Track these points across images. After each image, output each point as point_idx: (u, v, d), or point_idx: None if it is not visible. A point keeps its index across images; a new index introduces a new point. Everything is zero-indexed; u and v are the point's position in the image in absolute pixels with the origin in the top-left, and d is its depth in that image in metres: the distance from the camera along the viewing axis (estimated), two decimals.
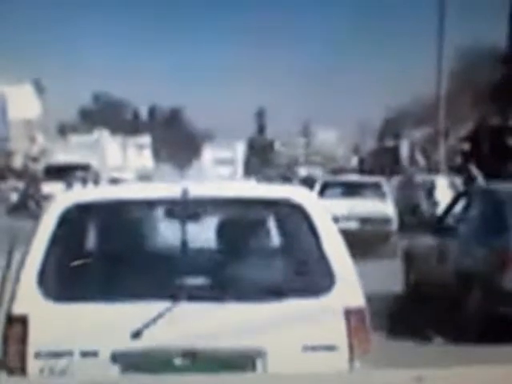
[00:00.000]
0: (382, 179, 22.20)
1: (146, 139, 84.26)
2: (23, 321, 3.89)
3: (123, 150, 76.28)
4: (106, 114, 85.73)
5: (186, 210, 4.10)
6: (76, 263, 4.09)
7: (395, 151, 47.12)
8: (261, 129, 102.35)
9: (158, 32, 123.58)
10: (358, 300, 4.08)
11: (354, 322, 3.99)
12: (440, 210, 19.15)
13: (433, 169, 40.11)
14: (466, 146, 38.40)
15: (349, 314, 3.99)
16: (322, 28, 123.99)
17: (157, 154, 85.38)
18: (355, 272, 4.10)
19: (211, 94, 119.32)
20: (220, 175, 64.48)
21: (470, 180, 21.71)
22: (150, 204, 4.33)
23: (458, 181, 23.68)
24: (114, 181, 45.13)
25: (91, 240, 4.65)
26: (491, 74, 38.79)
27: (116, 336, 3.89)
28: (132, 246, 4.37)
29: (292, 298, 4.02)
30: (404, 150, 45.90)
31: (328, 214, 4.26)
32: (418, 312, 10.52)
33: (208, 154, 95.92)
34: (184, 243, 4.09)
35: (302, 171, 48.33)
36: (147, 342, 3.88)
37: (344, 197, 19.51)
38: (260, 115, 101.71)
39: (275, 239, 4.91)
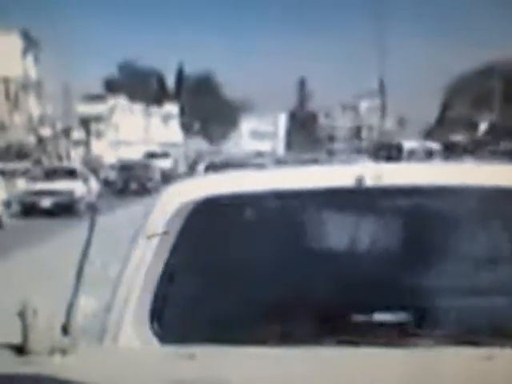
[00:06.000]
0: None
1: (172, 108, 74.46)
2: None
3: (146, 120, 66.74)
4: (131, 83, 75.23)
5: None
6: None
7: None
8: (302, 100, 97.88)
9: None
10: None
11: None
12: None
13: None
14: None
15: None
16: None
17: (186, 126, 75.85)
18: None
19: (247, 60, 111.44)
20: (259, 151, 58.00)
21: None
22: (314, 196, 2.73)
23: None
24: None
25: (225, 258, 2.92)
26: None
27: None
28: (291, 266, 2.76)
29: None
30: None
31: None
32: None
33: (246, 126, 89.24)
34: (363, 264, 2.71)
35: (407, 144, 35.18)
36: None
37: None
38: (301, 85, 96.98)
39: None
